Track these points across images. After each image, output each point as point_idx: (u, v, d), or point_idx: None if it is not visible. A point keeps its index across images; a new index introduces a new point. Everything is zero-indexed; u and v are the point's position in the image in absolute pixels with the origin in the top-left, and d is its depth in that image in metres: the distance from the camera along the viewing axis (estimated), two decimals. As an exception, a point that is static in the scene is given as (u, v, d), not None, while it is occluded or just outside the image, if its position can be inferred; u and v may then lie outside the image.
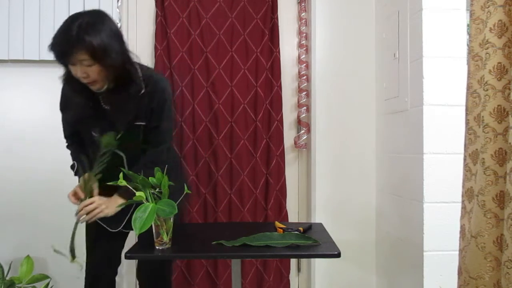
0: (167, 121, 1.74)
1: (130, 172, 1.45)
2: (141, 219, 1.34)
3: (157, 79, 1.72)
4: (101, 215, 1.63)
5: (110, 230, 1.79)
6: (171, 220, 1.44)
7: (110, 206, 1.64)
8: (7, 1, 2.36)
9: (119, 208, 1.62)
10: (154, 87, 1.68)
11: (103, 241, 1.81)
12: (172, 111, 1.77)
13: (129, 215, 1.77)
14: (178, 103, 2.44)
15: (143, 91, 1.66)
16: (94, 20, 1.50)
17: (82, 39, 1.44)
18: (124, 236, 1.87)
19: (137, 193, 1.40)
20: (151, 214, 1.35)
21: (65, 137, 1.85)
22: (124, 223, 1.80)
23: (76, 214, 1.63)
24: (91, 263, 1.85)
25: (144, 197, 1.40)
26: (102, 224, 1.77)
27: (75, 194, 1.68)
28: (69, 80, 1.60)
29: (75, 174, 1.80)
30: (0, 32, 2.36)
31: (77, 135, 1.81)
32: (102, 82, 1.58)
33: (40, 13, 2.38)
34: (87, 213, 1.61)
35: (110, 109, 1.67)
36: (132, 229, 1.72)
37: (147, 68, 1.77)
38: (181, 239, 1.53)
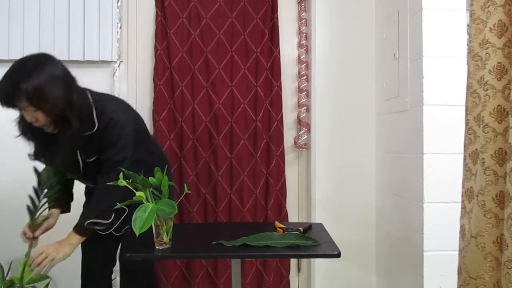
0: (119, 153, 1.66)
1: (130, 172, 1.45)
2: (141, 219, 1.34)
3: (110, 114, 1.65)
4: (54, 262, 1.61)
5: (101, 232, 1.79)
6: (171, 220, 1.44)
7: (61, 250, 1.60)
8: (7, 1, 2.36)
9: (75, 247, 1.63)
10: (106, 123, 1.63)
11: (96, 240, 1.79)
12: (129, 139, 1.68)
13: (122, 218, 1.78)
14: (178, 103, 2.45)
15: (95, 128, 1.63)
16: (33, 66, 1.51)
17: (17, 87, 1.46)
18: (118, 236, 1.86)
19: (137, 193, 1.40)
20: (151, 214, 1.35)
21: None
22: (116, 225, 1.79)
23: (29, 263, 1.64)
24: (85, 262, 1.87)
25: (144, 197, 1.40)
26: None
27: (24, 233, 1.73)
28: (22, 121, 1.63)
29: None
30: (0, 32, 2.36)
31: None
32: (52, 125, 1.59)
33: (40, 13, 2.38)
34: (38, 265, 1.60)
35: (59, 149, 1.67)
36: (121, 232, 1.77)
37: (105, 100, 1.71)
38: (181, 239, 1.53)
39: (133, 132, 1.69)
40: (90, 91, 1.71)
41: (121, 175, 1.44)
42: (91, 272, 1.87)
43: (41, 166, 1.82)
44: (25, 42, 2.37)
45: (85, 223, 1.62)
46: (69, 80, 1.60)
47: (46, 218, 1.81)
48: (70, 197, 1.91)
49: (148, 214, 1.35)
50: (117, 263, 1.97)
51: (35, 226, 1.76)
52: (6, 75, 1.50)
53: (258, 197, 2.46)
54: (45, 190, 1.80)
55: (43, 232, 1.80)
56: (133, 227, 1.32)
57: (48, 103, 1.51)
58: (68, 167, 1.76)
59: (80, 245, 1.82)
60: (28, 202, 1.78)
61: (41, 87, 1.49)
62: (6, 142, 2.18)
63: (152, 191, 1.43)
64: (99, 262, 1.86)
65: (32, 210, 1.77)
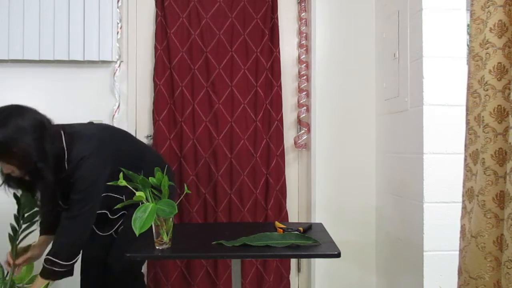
0: (84, 199, 1.65)
1: (130, 172, 1.44)
2: (141, 219, 1.34)
3: (77, 156, 1.62)
4: None
5: (101, 233, 1.82)
6: (171, 220, 1.44)
7: None
8: (7, 1, 2.36)
9: None
10: (74, 167, 1.62)
11: (95, 241, 1.82)
12: (97, 179, 1.66)
13: (120, 222, 1.81)
14: (178, 103, 2.45)
15: (63, 174, 1.62)
16: (7, 120, 1.50)
17: None
18: (111, 241, 1.87)
19: (137, 193, 1.40)
20: (151, 214, 1.35)
21: None
22: (115, 228, 1.82)
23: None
24: (84, 262, 1.87)
25: (144, 197, 1.40)
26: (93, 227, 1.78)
27: (7, 261, 1.74)
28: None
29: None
30: (0, 32, 2.36)
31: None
32: (27, 176, 1.58)
33: (40, 13, 2.38)
34: None
35: (40, 196, 1.74)
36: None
37: (75, 139, 1.66)
38: (181, 239, 1.53)
39: (103, 168, 1.67)
40: (64, 131, 1.66)
41: (121, 175, 1.43)
42: (88, 271, 1.88)
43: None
44: (25, 42, 2.37)
45: (44, 262, 1.62)
46: (40, 130, 1.56)
47: (29, 246, 1.80)
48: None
49: (148, 214, 1.35)
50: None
51: (17, 253, 1.75)
52: None
53: (258, 197, 2.46)
54: (26, 215, 1.80)
55: (26, 262, 1.79)
56: (133, 227, 1.32)
57: (16, 157, 1.50)
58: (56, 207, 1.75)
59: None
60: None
61: (5, 142, 1.48)
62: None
63: (152, 191, 1.44)
64: (97, 262, 1.85)
65: (12, 236, 1.77)
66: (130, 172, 1.44)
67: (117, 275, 1.80)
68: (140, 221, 1.33)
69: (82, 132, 1.70)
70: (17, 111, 1.54)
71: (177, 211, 1.38)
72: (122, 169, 1.46)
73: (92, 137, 1.71)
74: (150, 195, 1.42)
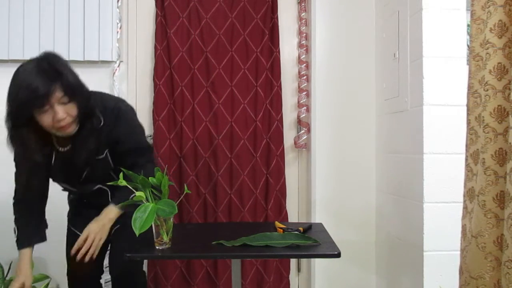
0: (140, 141, 1.70)
1: (130, 172, 1.44)
2: (141, 219, 1.33)
3: (114, 108, 1.64)
4: (102, 241, 1.58)
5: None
6: (171, 220, 1.44)
7: (104, 228, 1.58)
8: (7, 1, 2.36)
9: (112, 222, 1.60)
10: (113, 117, 1.62)
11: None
12: (140, 126, 1.73)
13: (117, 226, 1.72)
14: (178, 103, 2.45)
15: (101, 123, 1.60)
16: (54, 61, 1.48)
17: (54, 81, 1.42)
18: (105, 245, 1.71)
19: (137, 193, 1.40)
20: (151, 214, 1.35)
21: (16, 190, 1.72)
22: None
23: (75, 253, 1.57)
24: (71, 271, 1.80)
25: (144, 197, 1.40)
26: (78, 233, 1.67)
27: None
28: (24, 138, 1.52)
29: (16, 242, 1.68)
30: (0, 32, 2.36)
31: (32, 190, 1.69)
32: (75, 122, 1.53)
33: (40, 13, 2.38)
34: (89, 248, 1.55)
35: (69, 151, 1.63)
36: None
37: (100, 96, 1.67)
38: (181, 239, 1.53)
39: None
40: None
41: (121, 174, 1.43)
42: (75, 281, 1.79)
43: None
44: (25, 42, 2.37)
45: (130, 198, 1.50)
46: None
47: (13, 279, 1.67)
48: (43, 226, 1.75)
49: (148, 214, 1.34)
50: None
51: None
52: (32, 77, 1.41)
53: (258, 197, 2.46)
54: None
55: None
56: (133, 227, 1.32)
57: (81, 92, 1.51)
58: (71, 174, 1.68)
59: (66, 253, 1.77)
60: None
61: (74, 76, 1.49)
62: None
63: (151, 191, 1.43)
64: (84, 270, 1.71)
65: None
66: (130, 172, 1.44)
67: (118, 277, 1.76)
68: (140, 221, 1.33)
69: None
70: (56, 54, 1.52)
71: (177, 210, 1.38)
72: (122, 169, 1.45)
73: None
74: (150, 195, 1.41)
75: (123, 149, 1.65)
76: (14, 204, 1.72)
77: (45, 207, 1.76)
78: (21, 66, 1.48)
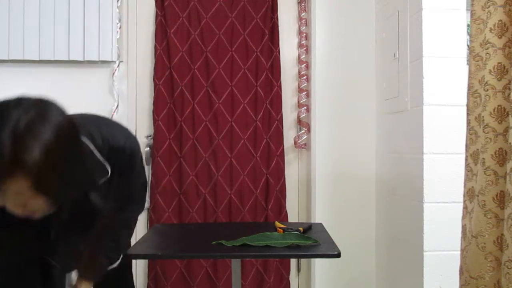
0: (137, 184, 1.36)
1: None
2: None
3: (119, 147, 1.20)
4: None
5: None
6: None
7: None
8: (7, 1, 2.36)
9: None
10: (117, 159, 1.19)
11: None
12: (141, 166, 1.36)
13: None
14: (178, 103, 2.45)
15: (109, 173, 1.18)
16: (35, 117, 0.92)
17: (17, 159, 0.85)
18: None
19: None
20: None
21: None
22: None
23: None
24: None
25: None
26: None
27: None
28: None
29: None
30: (0, 32, 2.36)
31: None
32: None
33: (40, 13, 2.38)
34: None
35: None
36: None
37: (107, 133, 1.20)
38: (181, 239, 1.53)
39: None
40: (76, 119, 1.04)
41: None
42: None
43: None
44: (25, 42, 2.37)
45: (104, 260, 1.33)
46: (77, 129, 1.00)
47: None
48: None
49: None
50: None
51: None
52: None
53: (258, 197, 2.46)
54: None
55: None
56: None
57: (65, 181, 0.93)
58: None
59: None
60: None
61: (51, 153, 0.88)
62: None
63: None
64: None
65: None
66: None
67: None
68: None
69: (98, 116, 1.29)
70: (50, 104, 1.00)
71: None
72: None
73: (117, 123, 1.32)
74: None
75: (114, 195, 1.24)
76: None
77: None
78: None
